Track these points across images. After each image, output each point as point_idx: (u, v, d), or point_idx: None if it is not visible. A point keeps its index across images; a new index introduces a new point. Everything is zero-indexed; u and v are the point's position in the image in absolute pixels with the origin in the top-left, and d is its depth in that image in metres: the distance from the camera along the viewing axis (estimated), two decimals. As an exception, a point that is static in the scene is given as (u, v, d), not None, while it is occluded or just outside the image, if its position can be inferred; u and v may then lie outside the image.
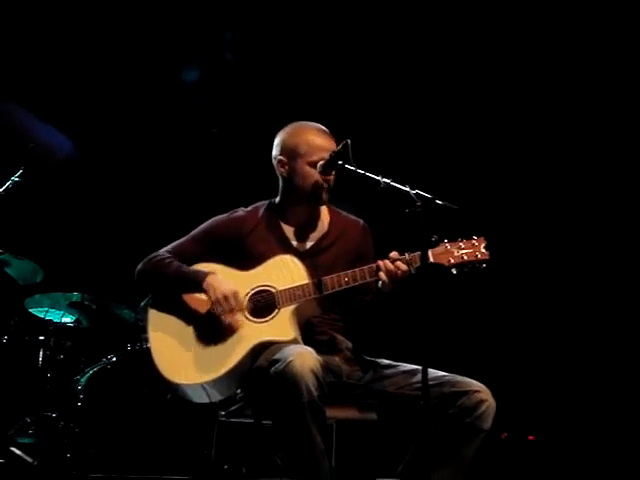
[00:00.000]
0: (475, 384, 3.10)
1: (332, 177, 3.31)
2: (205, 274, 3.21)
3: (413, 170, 3.94)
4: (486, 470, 4.86)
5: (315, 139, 3.31)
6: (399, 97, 6.06)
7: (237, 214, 3.43)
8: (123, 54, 6.14)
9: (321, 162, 3.26)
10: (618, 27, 5.57)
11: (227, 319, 3.16)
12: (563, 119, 5.89)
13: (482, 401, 3.05)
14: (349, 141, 3.11)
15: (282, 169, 3.38)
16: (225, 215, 3.43)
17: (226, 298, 3.14)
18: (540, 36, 5.76)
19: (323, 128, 3.37)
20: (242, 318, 3.19)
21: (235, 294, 3.15)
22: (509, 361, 5.77)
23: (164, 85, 6.29)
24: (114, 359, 5.17)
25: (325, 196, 3.32)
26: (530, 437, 5.51)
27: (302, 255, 3.31)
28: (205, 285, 3.19)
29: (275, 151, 3.40)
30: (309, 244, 3.37)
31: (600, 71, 5.72)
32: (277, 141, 3.40)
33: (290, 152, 3.34)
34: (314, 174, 3.28)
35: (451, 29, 5.89)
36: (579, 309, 5.72)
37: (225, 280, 3.19)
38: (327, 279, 3.16)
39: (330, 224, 3.42)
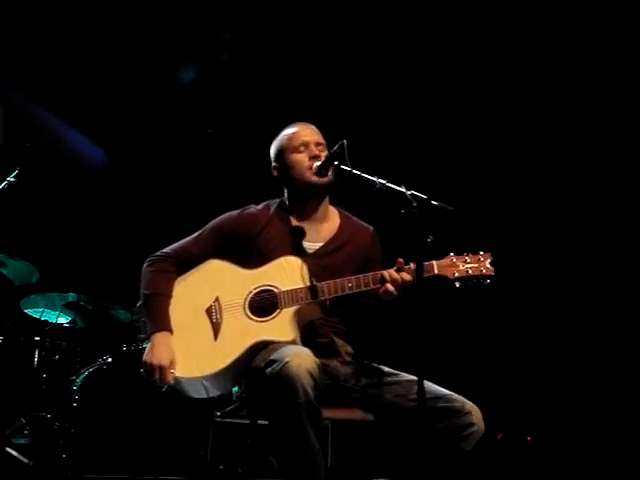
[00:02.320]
0: (469, 406, 3.10)
1: (323, 152, 3.33)
2: (159, 327, 3.19)
3: (409, 171, 3.93)
4: (483, 470, 4.86)
5: (291, 131, 3.42)
6: (395, 98, 6.06)
7: (249, 211, 3.43)
8: (120, 54, 6.13)
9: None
10: (618, 27, 5.57)
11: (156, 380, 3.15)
12: (560, 119, 5.89)
13: (471, 424, 3.06)
14: (345, 142, 3.12)
15: (279, 173, 3.43)
16: (237, 212, 3.43)
17: (152, 368, 3.13)
18: (540, 36, 5.76)
19: (301, 122, 3.46)
20: (242, 316, 3.19)
21: (161, 368, 3.12)
22: (506, 363, 5.77)
23: (161, 86, 6.29)
24: (110, 360, 5.16)
25: (324, 172, 3.29)
26: (527, 437, 5.52)
27: (309, 256, 3.32)
28: (151, 337, 3.19)
29: (272, 165, 3.47)
30: (318, 245, 3.38)
31: (600, 72, 5.71)
32: (271, 152, 3.49)
33: (277, 155, 3.43)
34: (300, 158, 3.35)
35: (447, 29, 5.89)
36: (573, 311, 5.73)
37: (166, 347, 3.16)
38: (330, 283, 3.16)
39: (340, 227, 3.43)
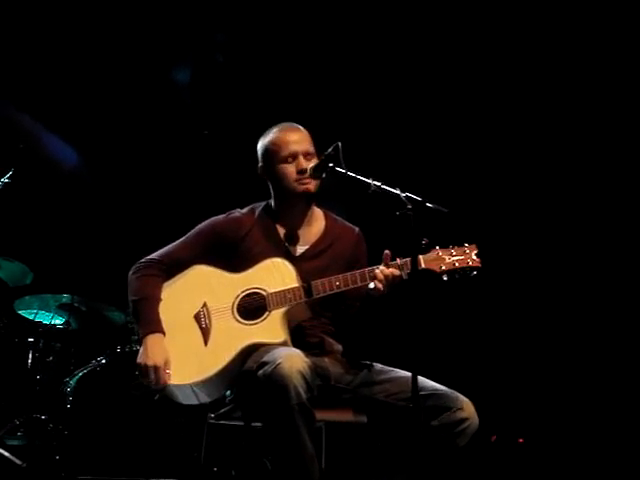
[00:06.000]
0: (461, 401, 3.10)
1: (308, 166, 3.27)
2: (151, 329, 3.17)
3: (404, 173, 3.93)
4: (476, 472, 4.87)
5: (280, 136, 3.35)
6: (390, 100, 6.06)
7: (234, 215, 3.42)
8: (115, 55, 6.12)
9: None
10: (618, 27, 5.57)
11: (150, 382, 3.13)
12: (556, 120, 5.89)
13: (463, 419, 3.07)
14: (340, 144, 3.11)
15: (264, 175, 3.41)
16: (222, 216, 3.42)
17: (146, 369, 3.11)
18: (533, 37, 5.77)
19: (290, 124, 3.40)
20: (231, 320, 3.19)
21: (156, 369, 3.10)
22: (499, 365, 5.78)
23: (155, 87, 6.28)
24: (104, 361, 5.15)
25: (308, 187, 3.28)
26: (519, 440, 5.53)
27: (295, 258, 3.31)
28: (143, 340, 3.17)
29: (258, 164, 3.43)
30: (303, 248, 3.37)
31: (597, 72, 5.72)
32: (257, 150, 3.44)
33: (264, 157, 3.39)
34: (288, 170, 3.30)
35: (440, 31, 5.89)
36: (566, 313, 5.74)
37: (160, 348, 3.14)
38: (318, 283, 3.16)
39: (325, 229, 3.42)
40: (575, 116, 5.83)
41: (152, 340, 3.16)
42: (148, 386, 3.15)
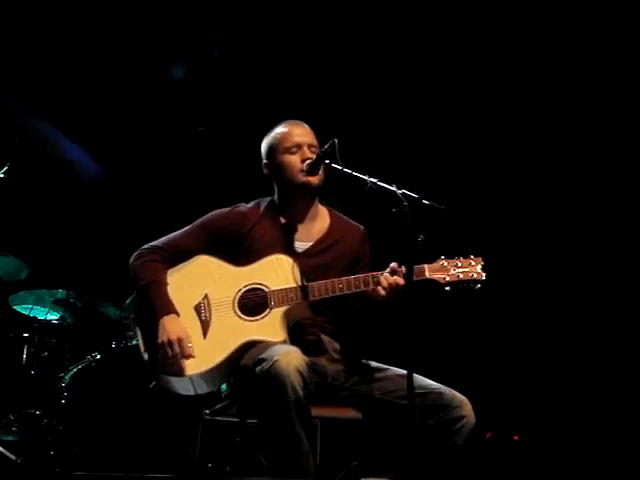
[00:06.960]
0: (458, 399, 3.11)
1: (313, 155, 3.29)
2: (166, 311, 3.17)
3: (400, 170, 3.93)
4: (471, 469, 4.88)
5: (283, 130, 3.38)
6: (387, 96, 6.06)
7: (239, 209, 3.42)
8: (111, 52, 6.11)
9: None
10: (618, 27, 5.57)
11: (172, 362, 3.13)
12: (552, 118, 5.89)
13: (460, 417, 3.08)
14: (336, 140, 3.11)
15: (270, 172, 3.41)
16: (227, 209, 3.42)
17: (170, 343, 3.11)
18: (533, 36, 5.76)
19: (294, 120, 3.43)
20: (231, 315, 3.19)
21: (180, 340, 3.11)
22: (495, 363, 5.79)
23: (151, 83, 6.27)
24: (98, 357, 5.15)
25: (313, 179, 3.29)
26: (514, 437, 5.53)
27: (299, 255, 3.31)
28: (160, 322, 3.16)
29: (262, 162, 3.44)
30: (308, 244, 3.37)
31: (597, 72, 5.72)
32: (262, 148, 3.46)
33: (268, 152, 3.41)
34: (292, 160, 3.32)
35: (438, 27, 5.88)
36: (558, 313, 5.75)
37: (178, 325, 3.15)
38: (321, 284, 3.16)
39: (330, 227, 3.42)
40: (576, 118, 5.83)
41: (168, 319, 3.15)
42: (173, 362, 3.12)
